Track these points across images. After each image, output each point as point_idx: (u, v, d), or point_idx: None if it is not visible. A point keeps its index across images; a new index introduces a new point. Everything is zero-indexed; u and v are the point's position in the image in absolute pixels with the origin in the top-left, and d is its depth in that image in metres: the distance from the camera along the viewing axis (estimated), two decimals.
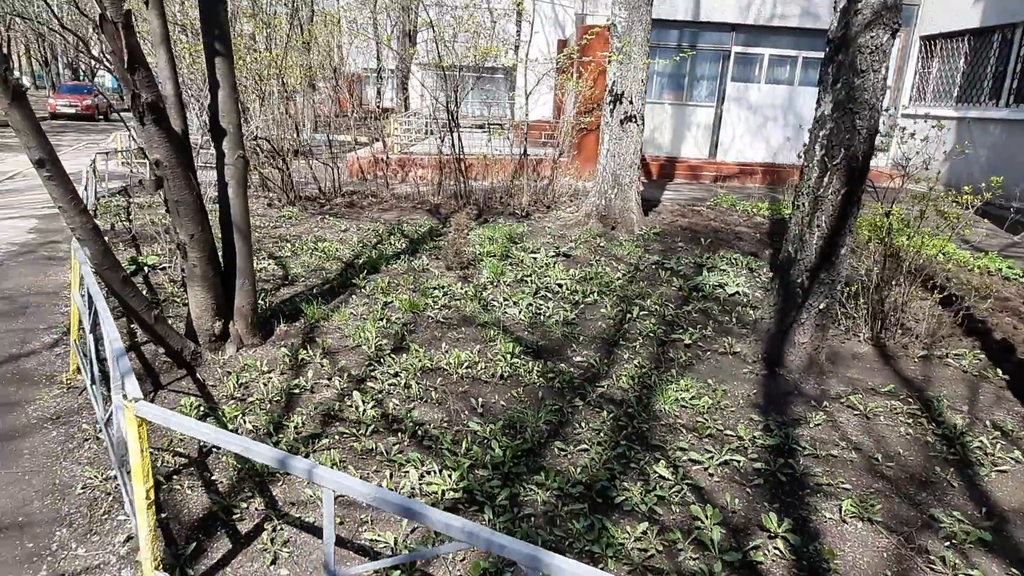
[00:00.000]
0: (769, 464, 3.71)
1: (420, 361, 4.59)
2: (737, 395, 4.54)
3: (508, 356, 4.74)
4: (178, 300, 5.67)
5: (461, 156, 10.36)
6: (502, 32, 13.68)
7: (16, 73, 45.01)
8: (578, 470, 3.57)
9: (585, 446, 3.78)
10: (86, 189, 8.60)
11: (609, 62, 8.62)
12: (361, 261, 6.92)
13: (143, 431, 2.31)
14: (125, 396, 2.30)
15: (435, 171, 11.36)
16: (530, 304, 5.80)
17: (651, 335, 5.37)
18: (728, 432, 4.04)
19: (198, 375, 4.34)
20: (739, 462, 3.72)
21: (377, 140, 14.79)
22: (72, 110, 31.48)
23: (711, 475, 3.62)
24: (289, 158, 10.13)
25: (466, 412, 4.08)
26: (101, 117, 32.84)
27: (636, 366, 4.80)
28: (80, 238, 3.74)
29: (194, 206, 4.22)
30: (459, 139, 10.23)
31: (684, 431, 4.03)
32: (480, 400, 4.19)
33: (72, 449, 3.59)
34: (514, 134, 12.87)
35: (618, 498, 3.35)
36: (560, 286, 6.36)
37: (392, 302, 5.74)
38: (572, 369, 4.73)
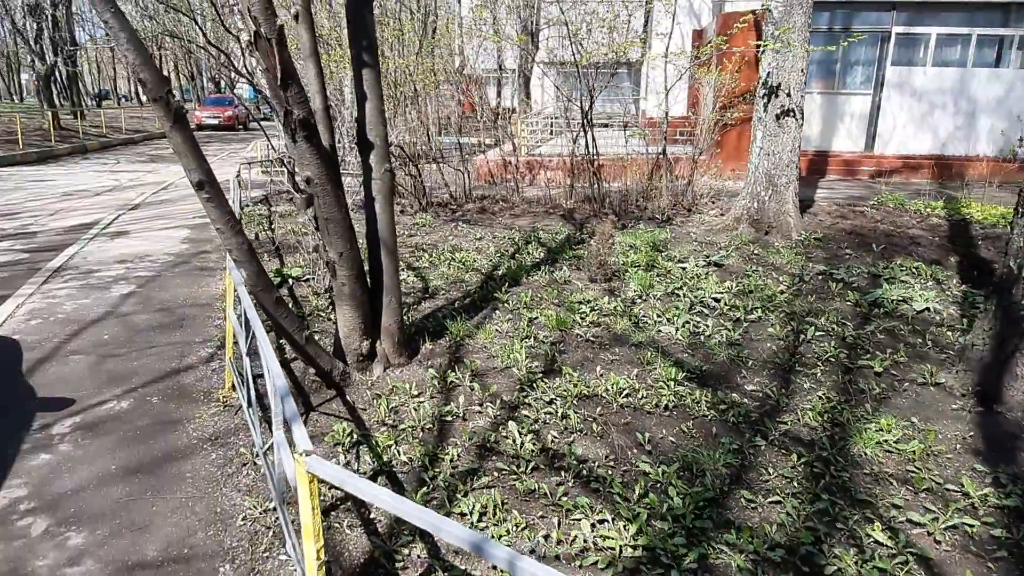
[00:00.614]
0: (1011, 531, 3.04)
1: (575, 387, 4.22)
2: (950, 438, 3.84)
3: (671, 383, 4.28)
4: (322, 314, 5.63)
5: (595, 157, 9.93)
6: (630, 25, 13.12)
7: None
8: (773, 528, 3.06)
9: (777, 497, 3.26)
10: (233, 201, 8.94)
11: (762, 51, 7.90)
12: (501, 272, 6.67)
13: (315, 488, 2.07)
14: (294, 447, 2.07)
15: (565, 173, 11.00)
16: (687, 322, 5.29)
17: (832, 360, 4.71)
18: (950, 486, 3.38)
19: (348, 396, 4.20)
20: (972, 527, 3.08)
21: (501, 142, 14.66)
22: (215, 121, 33.82)
23: (938, 542, 3.00)
24: (421, 164, 10.12)
25: (633, 449, 3.67)
26: (240, 127, 35.16)
27: (821, 398, 4.19)
28: (236, 259, 3.66)
29: (343, 223, 4.07)
30: (592, 140, 9.80)
31: (894, 483, 3.41)
32: (646, 435, 3.76)
33: (231, 475, 3.50)
34: (645, 132, 12.27)
35: (828, 567, 2.82)
36: (717, 300, 5.79)
37: (537, 318, 5.41)
38: (745, 400, 4.19)
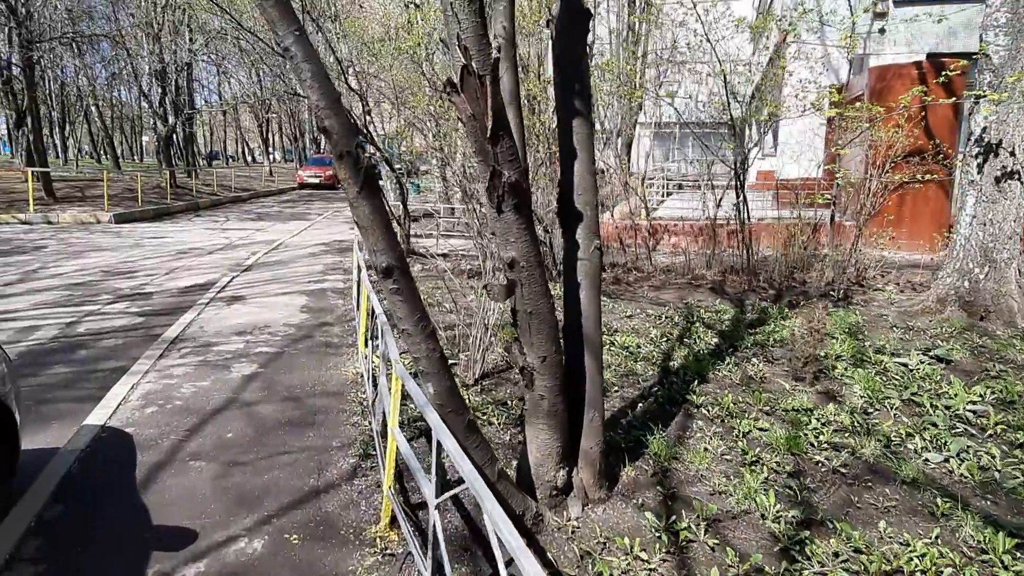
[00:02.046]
0: None
1: (870, 559, 2.99)
2: None
3: (1001, 555, 2.99)
4: (480, 415, 4.65)
5: (746, 221, 8.78)
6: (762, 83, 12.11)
7: (269, 150, 51.20)
8: None
9: None
10: (354, 267, 8.28)
11: (974, 103, 6.66)
12: (677, 364, 5.55)
13: None
14: None
15: (705, 239, 9.90)
16: (962, 450, 3.99)
17: None
18: None
19: (544, 548, 3.13)
20: None
21: (621, 203, 13.73)
22: (317, 180, 34.76)
23: None
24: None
25: None
26: (339, 185, 36.09)
27: None
28: (424, 370, 2.73)
29: (549, 319, 3.09)
30: (744, 201, 8.68)
31: None
32: None
33: None
34: (826, 196, 10.97)
35: None
36: (976, 414, 4.47)
37: (750, 432, 4.25)
38: None
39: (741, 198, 8.67)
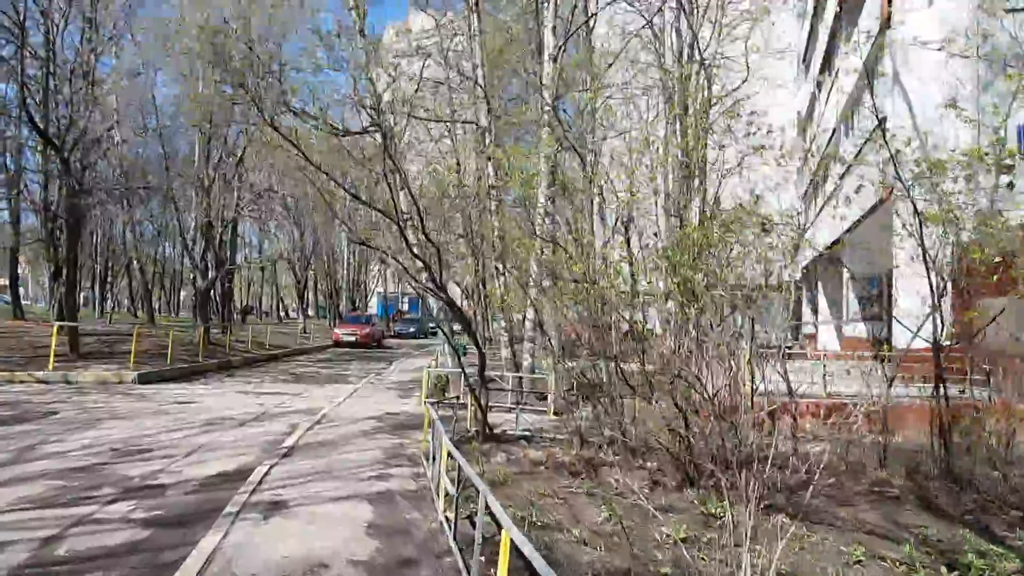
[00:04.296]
0: None
1: None
2: None
3: None
4: None
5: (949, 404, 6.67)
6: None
7: (305, 306, 51.03)
8: None
9: None
10: (436, 467, 6.23)
11: None
12: None
13: None
14: None
15: (870, 423, 7.78)
16: None
17: None
18: None
19: None
20: None
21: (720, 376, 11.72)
22: (353, 338, 33.61)
23: None
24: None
25: None
26: (375, 343, 34.73)
27: None
28: None
29: None
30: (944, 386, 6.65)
31: None
32: None
33: None
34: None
35: None
36: None
37: None
38: None
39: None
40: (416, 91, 11.35)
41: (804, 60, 27.05)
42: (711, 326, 8.43)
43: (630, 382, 7.96)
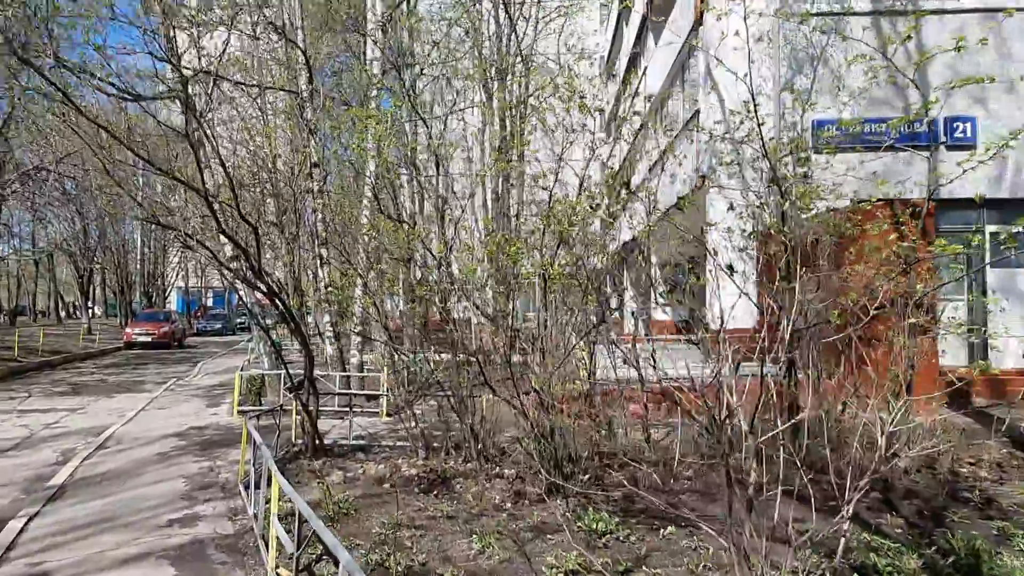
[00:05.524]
0: None
1: None
2: None
3: None
4: None
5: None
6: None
7: (90, 304, 44.77)
8: None
9: None
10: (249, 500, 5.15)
11: None
12: None
13: None
14: None
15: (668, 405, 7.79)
16: None
17: None
18: None
19: None
20: None
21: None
22: (148, 338, 29.93)
23: None
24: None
25: None
26: (176, 343, 31.10)
27: None
28: None
29: None
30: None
31: None
32: None
33: None
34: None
35: None
36: None
37: None
38: None
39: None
40: (223, 52, 9.76)
41: (608, 60, 28.18)
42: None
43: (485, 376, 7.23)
